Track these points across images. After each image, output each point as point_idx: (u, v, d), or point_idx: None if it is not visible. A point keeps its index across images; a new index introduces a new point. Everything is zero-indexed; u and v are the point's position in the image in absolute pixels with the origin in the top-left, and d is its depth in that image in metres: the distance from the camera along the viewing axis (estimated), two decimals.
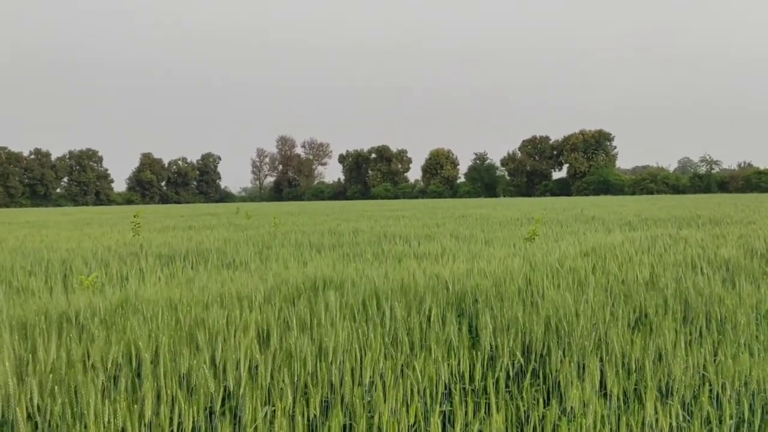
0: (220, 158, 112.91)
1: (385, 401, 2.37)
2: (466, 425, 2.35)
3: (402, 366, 2.79)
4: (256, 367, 2.68)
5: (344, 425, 2.45)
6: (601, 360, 3.06)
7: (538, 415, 2.48)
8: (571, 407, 2.52)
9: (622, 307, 3.72)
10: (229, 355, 2.55)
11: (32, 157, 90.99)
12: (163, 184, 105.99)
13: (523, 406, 2.58)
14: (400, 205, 38.00)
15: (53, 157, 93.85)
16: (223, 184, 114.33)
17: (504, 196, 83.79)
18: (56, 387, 2.24)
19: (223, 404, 2.50)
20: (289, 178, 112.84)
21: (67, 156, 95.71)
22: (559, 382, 2.89)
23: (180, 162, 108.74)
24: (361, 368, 2.68)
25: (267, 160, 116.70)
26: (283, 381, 2.42)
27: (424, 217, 19.22)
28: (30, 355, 2.62)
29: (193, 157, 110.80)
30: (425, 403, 2.62)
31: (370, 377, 2.64)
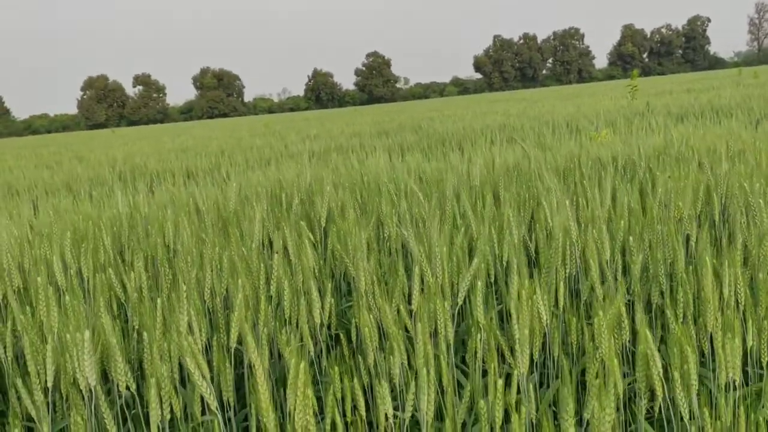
0: (709, 20, 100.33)
1: None
2: None
3: None
4: None
5: None
6: None
7: None
8: None
9: None
10: None
11: (521, 42, 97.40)
12: (644, 55, 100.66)
13: None
14: None
15: (539, 40, 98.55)
16: (712, 49, 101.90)
17: None
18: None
19: None
20: None
21: (551, 37, 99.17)
22: None
23: (663, 30, 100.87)
24: None
25: None
26: None
27: None
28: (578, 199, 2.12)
29: (678, 23, 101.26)
30: None
31: None
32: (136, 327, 1.51)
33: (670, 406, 1.25)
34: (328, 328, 1.82)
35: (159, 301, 1.39)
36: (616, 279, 1.66)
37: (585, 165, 2.90)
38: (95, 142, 18.15)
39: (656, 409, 1.32)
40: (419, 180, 3.18)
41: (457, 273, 1.64)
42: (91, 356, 1.14)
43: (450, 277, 1.55)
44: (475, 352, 1.40)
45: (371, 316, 1.45)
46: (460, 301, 1.46)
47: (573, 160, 2.94)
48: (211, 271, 1.66)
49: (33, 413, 1.30)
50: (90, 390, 1.27)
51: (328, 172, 3.35)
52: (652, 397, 1.35)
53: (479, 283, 1.42)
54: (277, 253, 1.62)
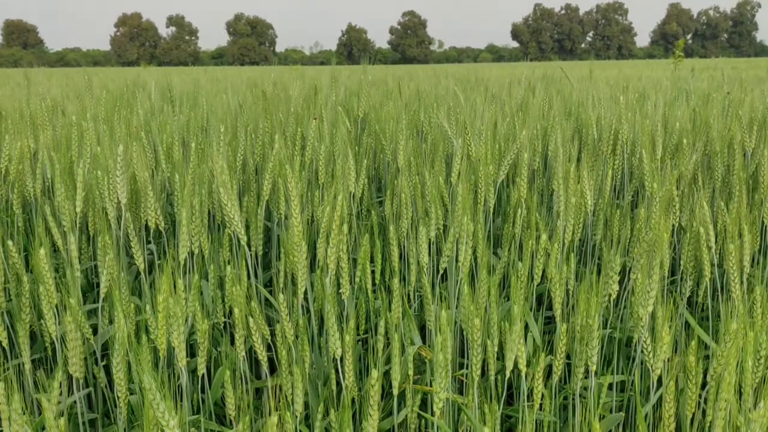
0: (759, 6, 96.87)
1: None
2: None
3: None
4: None
5: None
6: None
7: None
8: None
9: None
10: None
11: (562, 12, 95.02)
12: (689, 37, 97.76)
13: None
14: None
15: (581, 12, 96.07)
16: (758, 37, 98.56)
17: None
18: None
19: None
20: None
21: (594, 10, 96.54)
22: None
23: (711, 11, 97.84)
24: None
25: None
26: None
27: None
28: None
29: (727, 6, 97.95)
30: None
31: None
32: (168, 174, 1.47)
33: (718, 289, 1.19)
34: (358, 216, 1.77)
35: (193, 144, 1.34)
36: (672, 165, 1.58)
37: (633, 91, 2.80)
38: (126, 75, 18.24)
39: (701, 293, 1.26)
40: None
41: (499, 157, 1.57)
42: (123, 172, 1.10)
43: (494, 154, 1.48)
44: (513, 222, 1.34)
45: (409, 185, 1.40)
46: (502, 175, 1.40)
47: (620, 87, 2.84)
48: (246, 135, 1.61)
49: (59, 242, 1.27)
50: (117, 219, 1.24)
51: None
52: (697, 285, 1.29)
53: (525, 155, 1.36)
54: (314, 118, 1.57)
